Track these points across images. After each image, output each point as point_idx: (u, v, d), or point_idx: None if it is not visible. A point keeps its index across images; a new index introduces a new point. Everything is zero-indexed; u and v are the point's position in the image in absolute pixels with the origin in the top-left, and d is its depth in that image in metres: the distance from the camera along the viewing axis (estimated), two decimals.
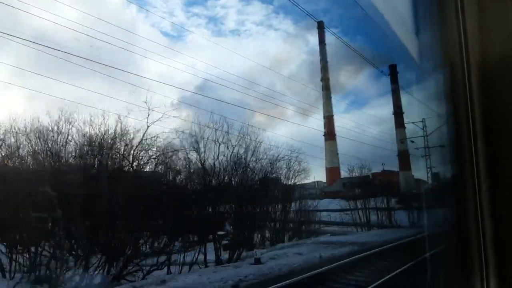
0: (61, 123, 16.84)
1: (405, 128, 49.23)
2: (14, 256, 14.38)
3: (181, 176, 21.84)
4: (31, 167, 16.73)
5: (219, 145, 22.32)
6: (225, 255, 19.06)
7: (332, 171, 48.82)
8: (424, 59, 2.05)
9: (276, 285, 11.61)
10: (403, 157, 48.20)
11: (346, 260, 15.37)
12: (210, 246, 18.73)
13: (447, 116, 1.77)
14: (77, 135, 17.01)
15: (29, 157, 16.78)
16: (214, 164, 21.80)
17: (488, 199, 1.58)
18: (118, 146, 17.57)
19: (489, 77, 1.65)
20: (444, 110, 1.82)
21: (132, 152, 17.65)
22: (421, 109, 2.20)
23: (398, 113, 50.03)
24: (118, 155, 17.56)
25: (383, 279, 12.25)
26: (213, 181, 21.72)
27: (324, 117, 52.62)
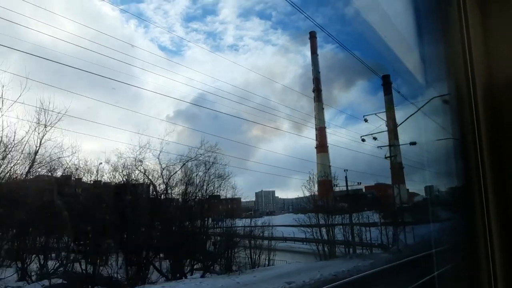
0: None
1: (398, 139, 49.87)
2: None
3: None
4: None
5: None
6: None
7: (324, 184, 48.93)
8: (428, 73, 2.09)
9: None
10: (396, 169, 48.68)
11: None
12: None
13: (453, 128, 1.79)
14: None
15: None
16: None
17: (496, 216, 1.58)
18: None
19: (495, 89, 1.68)
20: (449, 122, 1.84)
21: None
22: (424, 120, 2.23)
23: (391, 124, 50.79)
24: None
25: None
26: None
27: (316, 128, 53.13)
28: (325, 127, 53.79)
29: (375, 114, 32.15)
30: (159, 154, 20.76)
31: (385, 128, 31.90)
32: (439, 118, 2.01)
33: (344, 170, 32.80)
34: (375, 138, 31.15)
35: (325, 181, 49.40)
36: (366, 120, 33.74)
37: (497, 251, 1.57)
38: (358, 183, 32.87)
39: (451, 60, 1.90)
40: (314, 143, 53.79)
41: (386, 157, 29.87)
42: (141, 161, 20.15)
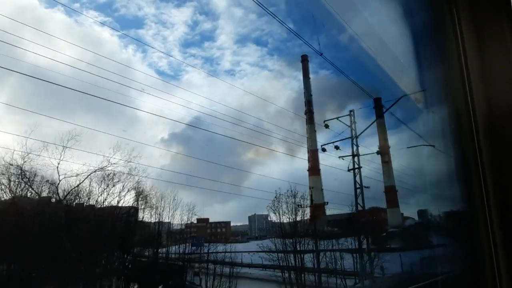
0: None
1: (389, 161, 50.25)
2: None
3: None
4: None
5: None
6: None
7: (316, 208, 48.62)
8: (427, 97, 2.13)
9: None
10: (390, 193, 48.77)
11: None
12: None
13: (455, 152, 1.81)
14: None
15: None
16: None
17: (502, 240, 1.58)
18: None
19: (495, 111, 1.72)
20: (450, 146, 1.87)
21: None
22: (423, 145, 2.27)
23: (383, 147, 51.31)
24: None
25: None
26: None
27: (308, 151, 53.25)
28: (317, 150, 53.99)
29: (337, 118, 28.06)
30: (58, 163, 17.16)
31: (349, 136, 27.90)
32: (439, 142, 2.04)
33: (310, 188, 29.52)
34: (337, 147, 27.37)
35: (318, 205, 49.13)
36: (327, 126, 29.30)
37: (504, 275, 1.56)
38: (325, 202, 30.15)
39: (449, 84, 1.95)
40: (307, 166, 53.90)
41: (348, 170, 26.38)
42: (24, 171, 16.49)
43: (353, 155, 24.36)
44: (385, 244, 33.28)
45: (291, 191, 28.24)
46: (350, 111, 28.08)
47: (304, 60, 54.62)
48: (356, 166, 24.26)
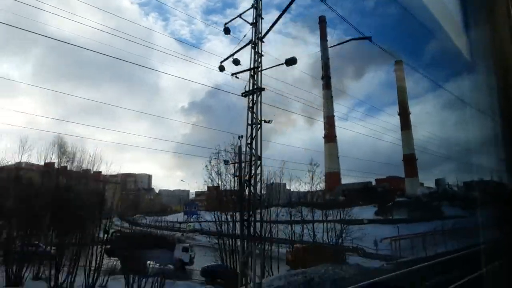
0: None
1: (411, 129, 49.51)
2: None
3: None
4: None
5: None
6: None
7: (332, 176, 48.63)
8: (475, 58, 2.05)
9: None
10: (409, 162, 48.34)
11: None
12: None
13: (502, 119, 1.75)
14: None
15: None
16: None
17: None
18: None
19: None
20: (496, 112, 1.80)
21: None
22: (467, 109, 2.20)
23: (403, 113, 50.20)
24: None
25: None
26: None
27: (324, 117, 52.65)
28: (333, 116, 53.37)
29: (239, 16, 17.68)
30: None
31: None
32: (485, 108, 1.98)
33: (239, 137, 21.47)
34: (236, 62, 15.52)
35: (334, 174, 49.27)
36: (226, 31, 17.49)
37: None
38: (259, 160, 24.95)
39: (497, 45, 1.85)
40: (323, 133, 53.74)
41: (242, 94, 16.51)
42: None
43: (252, 69, 14.57)
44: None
45: (233, 144, 21.62)
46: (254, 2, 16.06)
47: (322, 21, 52.95)
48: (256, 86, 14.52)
